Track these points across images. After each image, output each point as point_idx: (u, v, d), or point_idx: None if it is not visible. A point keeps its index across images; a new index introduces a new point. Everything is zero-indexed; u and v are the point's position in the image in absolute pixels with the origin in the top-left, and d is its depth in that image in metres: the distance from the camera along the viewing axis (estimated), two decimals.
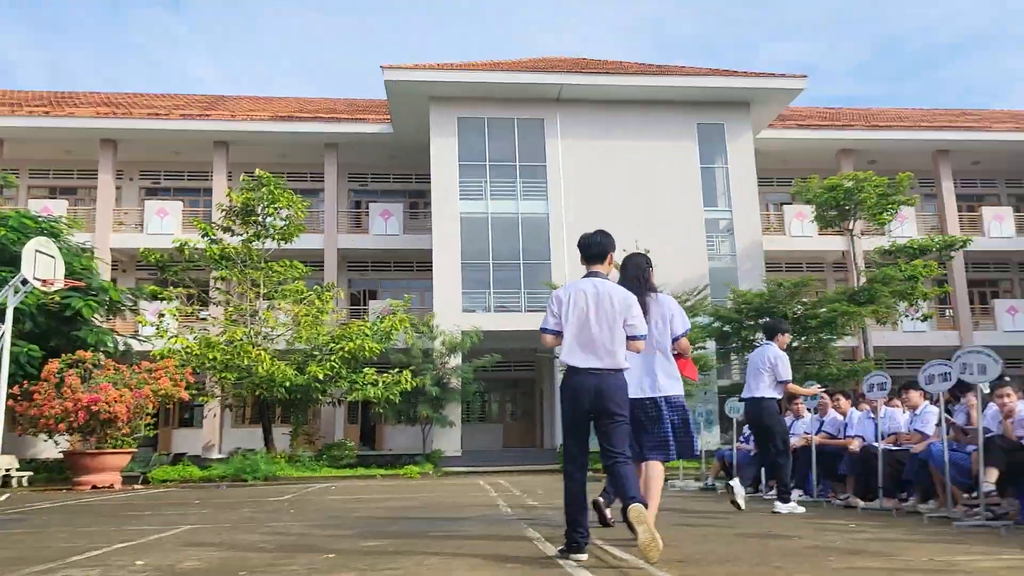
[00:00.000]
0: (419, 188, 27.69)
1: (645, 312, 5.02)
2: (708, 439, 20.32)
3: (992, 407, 6.99)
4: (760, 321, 19.44)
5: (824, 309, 18.79)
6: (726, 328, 20.77)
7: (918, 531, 5.80)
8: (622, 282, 5.31)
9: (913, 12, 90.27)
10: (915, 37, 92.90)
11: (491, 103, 23.94)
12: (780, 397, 7.84)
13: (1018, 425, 6.59)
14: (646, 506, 4.39)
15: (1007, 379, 7.47)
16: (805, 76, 23.66)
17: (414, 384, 19.01)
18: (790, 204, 26.29)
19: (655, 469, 5.13)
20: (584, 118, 24.05)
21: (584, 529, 4.41)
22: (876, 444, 8.12)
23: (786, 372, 7.60)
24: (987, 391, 7.12)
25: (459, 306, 22.61)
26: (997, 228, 26.25)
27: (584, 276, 4.76)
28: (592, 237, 4.80)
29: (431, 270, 23.09)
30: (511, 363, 26.97)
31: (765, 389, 7.62)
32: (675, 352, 5.47)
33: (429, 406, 20.66)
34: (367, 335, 18.69)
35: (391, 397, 18.54)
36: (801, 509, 7.57)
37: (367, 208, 26.54)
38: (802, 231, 25.46)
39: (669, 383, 5.27)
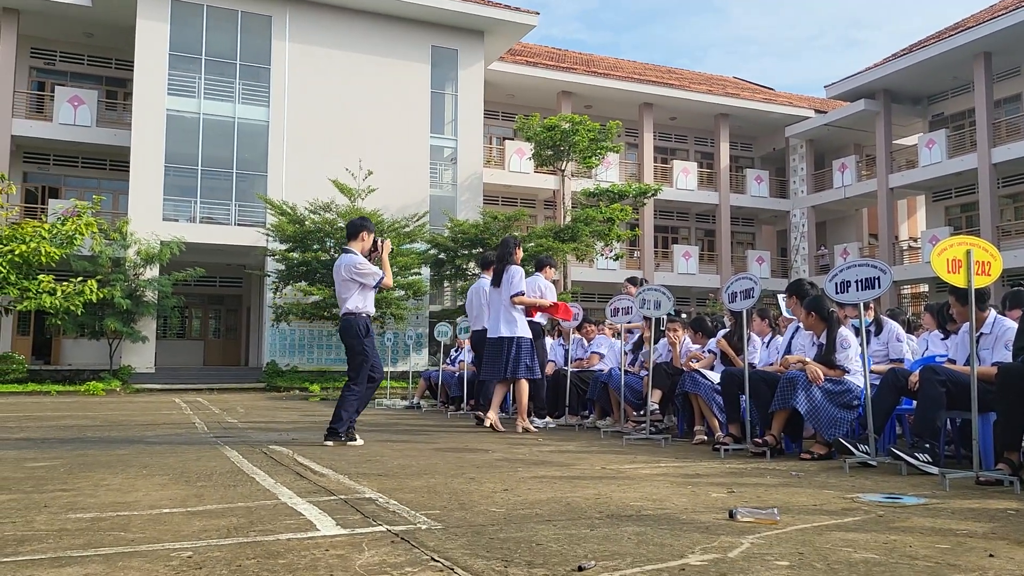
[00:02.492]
0: (119, 76, 24.58)
1: (499, 278, 7.53)
2: (416, 360, 20.94)
3: (663, 339, 7.92)
4: (474, 251, 20.16)
5: (532, 244, 19.92)
6: (441, 255, 21.30)
7: (595, 444, 6.46)
8: (497, 255, 7.69)
9: None
10: None
11: None
12: (544, 322, 8.64)
13: (682, 354, 7.56)
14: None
15: (683, 315, 8.48)
16: (537, 13, 24.27)
17: (100, 295, 17.17)
18: (512, 139, 27.34)
19: (519, 384, 7.33)
20: (317, 23, 22.71)
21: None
22: (565, 368, 8.93)
23: (552, 297, 8.41)
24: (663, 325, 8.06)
25: (159, 213, 20.67)
26: (683, 180, 29.60)
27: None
28: (352, 220, 6.56)
29: (128, 171, 20.79)
30: (217, 278, 25.46)
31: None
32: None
33: (118, 320, 18.85)
34: (44, 238, 16.39)
35: (72, 308, 16.60)
36: (553, 424, 8.36)
37: (53, 91, 23.02)
38: (520, 167, 26.65)
39: (508, 327, 7.37)
